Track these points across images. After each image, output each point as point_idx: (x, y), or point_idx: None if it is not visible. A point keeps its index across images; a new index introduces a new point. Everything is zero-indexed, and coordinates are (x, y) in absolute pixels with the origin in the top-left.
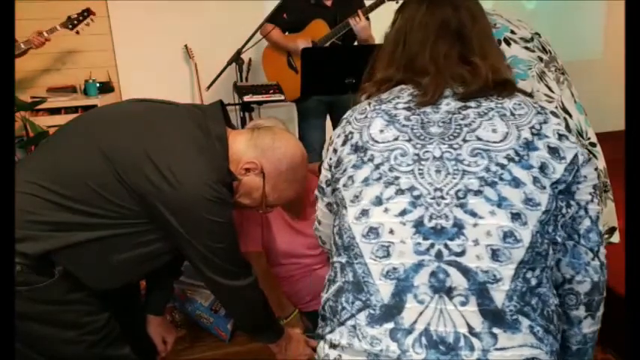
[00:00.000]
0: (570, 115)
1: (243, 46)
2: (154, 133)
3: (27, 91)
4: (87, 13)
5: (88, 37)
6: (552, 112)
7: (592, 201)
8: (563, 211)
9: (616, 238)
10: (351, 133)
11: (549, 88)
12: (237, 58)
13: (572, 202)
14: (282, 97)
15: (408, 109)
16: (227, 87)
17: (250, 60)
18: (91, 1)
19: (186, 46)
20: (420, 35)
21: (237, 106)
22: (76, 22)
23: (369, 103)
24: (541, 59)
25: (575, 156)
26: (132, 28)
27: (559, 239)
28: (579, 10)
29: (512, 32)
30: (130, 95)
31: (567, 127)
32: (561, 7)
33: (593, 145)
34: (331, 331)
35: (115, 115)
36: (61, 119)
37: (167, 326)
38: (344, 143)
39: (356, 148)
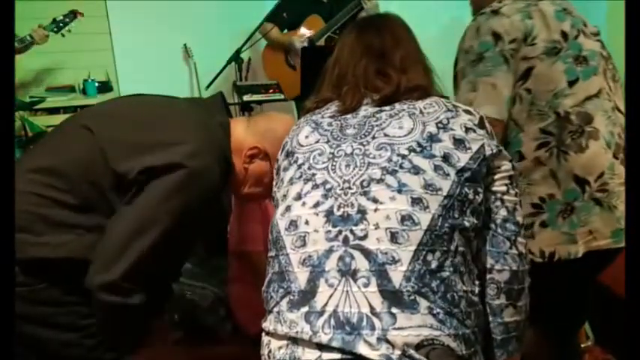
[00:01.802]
0: (623, 114)
1: (243, 46)
2: (153, 123)
3: (26, 91)
4: (73, 15)
5: (86, 36)
6: (465, 110)
7: (507, 192)
8: (470, 197)
9: None
10: (286, 142)
11: (609, 87)
12: (236, 58)
13: (479, 190)
14: (282, 97)
15: (332, 117)
16: (227, 86)
17: (250, 59)
18: (90, 0)
19: (185, 45)
20: (348, 58)
21: (237, 106)
22: (61, 24)
23: (305, 116)
24: (603, 56)
25: (482, 146)
26: (131, 27)
27: (467, 224)
28: (579, 10)
29: (585, 25)
30: None
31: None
32: None
33: None
34: (264, 320)
35: (113, 110)
36: (60, 119)
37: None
38: (281, 152)
39: (287, 154)
